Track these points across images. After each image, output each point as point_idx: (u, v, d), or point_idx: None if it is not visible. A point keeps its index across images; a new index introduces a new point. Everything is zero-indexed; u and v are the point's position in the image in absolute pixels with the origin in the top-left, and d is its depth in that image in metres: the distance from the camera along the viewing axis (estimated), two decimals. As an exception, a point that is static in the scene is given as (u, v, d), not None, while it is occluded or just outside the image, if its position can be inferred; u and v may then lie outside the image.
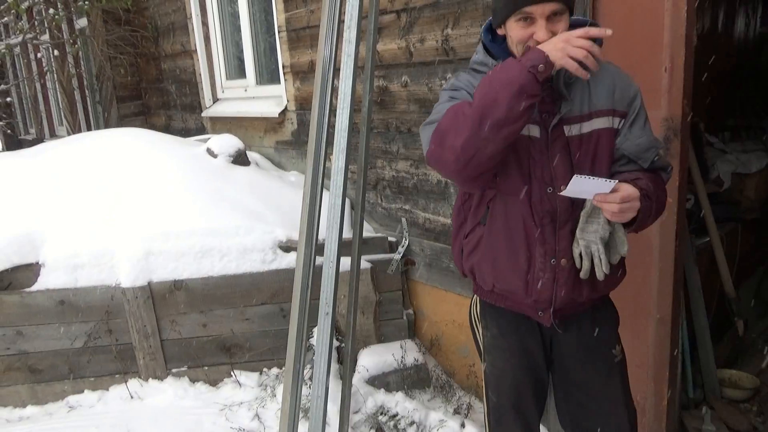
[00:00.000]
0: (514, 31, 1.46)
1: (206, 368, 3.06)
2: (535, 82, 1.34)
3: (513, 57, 1.47)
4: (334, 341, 2.88)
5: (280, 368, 3.04)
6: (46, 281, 2.94)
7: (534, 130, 1.52)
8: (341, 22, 1.94)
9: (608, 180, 1.39)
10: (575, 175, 1.38)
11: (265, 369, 3.07)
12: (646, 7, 1.96)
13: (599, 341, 1.67)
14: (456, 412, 2.78)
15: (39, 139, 8.66)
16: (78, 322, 2.95)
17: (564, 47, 1.34)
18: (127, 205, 3.19)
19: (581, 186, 1.39)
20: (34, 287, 2.93)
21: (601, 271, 1.49)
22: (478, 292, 1.76)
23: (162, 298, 2.95)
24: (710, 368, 2.73)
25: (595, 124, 1.53)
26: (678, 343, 2.36)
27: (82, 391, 3.01)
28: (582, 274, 1.51)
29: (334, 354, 2.87)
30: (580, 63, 1.34)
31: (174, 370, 3.04)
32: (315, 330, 1.92)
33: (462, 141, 1.41)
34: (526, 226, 1.55)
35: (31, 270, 2.96)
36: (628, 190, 1.41)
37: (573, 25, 1.50)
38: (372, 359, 2.95)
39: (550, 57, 1.34)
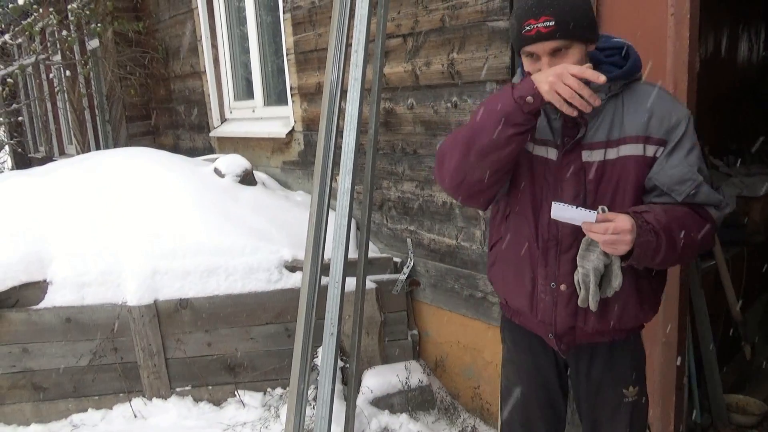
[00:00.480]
0: (525, 65, 1.48)
1: (210, 387, 3.05)
2: (520, 112, 1.36)
3: None
4: (339, 361, 2.88)
5: (284, 388, 3.03)
6: (53, 299, 2.95)
7: (552, 153, 1.53)
8: (348, 45, 1.98)
9: (588, 210, 1.38)
10: (553, 202, 1.42)
11: (269, 389, 3.06)
12: (649, 33, 1.99)
13: (611, 378, 1.62)
14: (460, 434, 2.76)
15: (48, 158, 8.76)
16: (84, 340, 2.96)
17: (554, 82, 1.32)
18: (134, 224, 3.21)
19: (563, 213, 1.41)
20: (41, 305, 2.95)
21: (593, 302, 1.45)
22: (501, 306, 1.81)
23: (167, 316, 2.96)
24: (717, 393, 2.71)
25: (623, 151, 1.48)
26: (685, 367, 2.34)
27: (86, 410, 3.01)
28: (579, 302, 1.49)
29: (339, 374, 2.86)
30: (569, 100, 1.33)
31: (178, 389, 3.03)
32: (320, 350, 1.92)
33: (454, 165, 1.47)
34: (530, 246, 1.57)
35: (39, 288, 2.98)
36: (620, 221, 1.35)
37: (606, 48, 1.52)
38: (376, 380, 2.94)
39: (539, 89, 1.34)
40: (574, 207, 1.40)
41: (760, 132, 4.15)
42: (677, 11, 1.93)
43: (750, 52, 4.59)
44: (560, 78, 1.32)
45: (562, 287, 1.54)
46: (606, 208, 1.40)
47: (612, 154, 1.48)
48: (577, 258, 1.47)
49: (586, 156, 1.50)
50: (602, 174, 1.49)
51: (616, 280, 1.44)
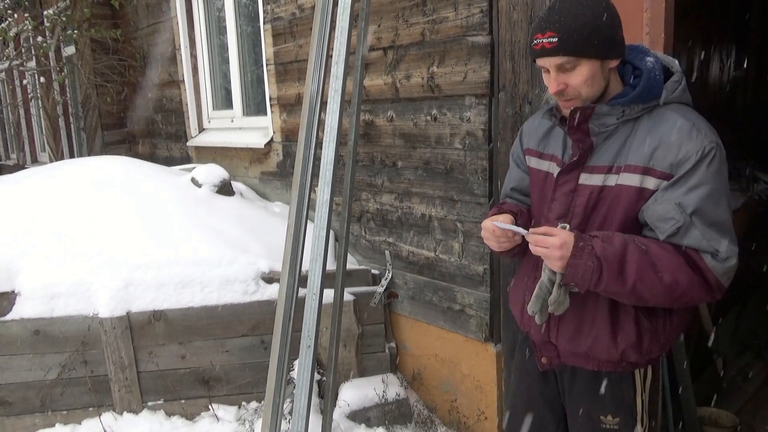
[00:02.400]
0: (543, 77, 1.51)
1: (183, 401, 2.99)
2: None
3: None
4: (316, 375, 2.85)
5: (260, 402, 2.98)
6: (21, 310, 2.87)
7: (556, 171, 1.57)
8: (329, 57, 1.98)
9: (520, 229, 1.48)
10: (494, 222, 1.54)
11: (243, 402, 3.01)
12: None
13: (588, 403, 1.61)
14: (437, 448, 2.74)
15: (20, 165, 8.58)
16: (52, 353, 2.88)
17: (483, 236, 1.58)
18: (107, 234, 3.15)
19: (505, 228, 1.52)
20: (8, 316, 2.86)
21: (536, 316, 1.52)
22: None
23: (140, 328, 2.90)
24: (691, 406, 2.74)
25: (621, 179, 1.43)
26: (658, 380, 2.36)
27: (54, 425, 2.92)
28: (528, 310, 1.53)
29: (315, 388, 2.82)
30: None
31: (150, 403, 2.96)
32: (296, 363, 1.89)
33: None
34: (528, 261, 1.67)
35: (6, 299, 2.89)
36: (555, 237, 1.37)
37: (636, 67, 1.48)
38: (353, 393, 2.91)
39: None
40: (507, 225, 1.52)
41: (732, 150, 4.25)
42: (652, 31, 1.97)
43: (721, 72, 4.72)
44: (485, 237, 1.58)
45: None
46: (567, 226, 1.42)
47: (611, 180, 1.44)
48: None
49: (584, 179, 1.49)
50: (597, 199, 1.46)
51: (552, 296, 1.45)
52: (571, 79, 1.41)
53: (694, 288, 1.37)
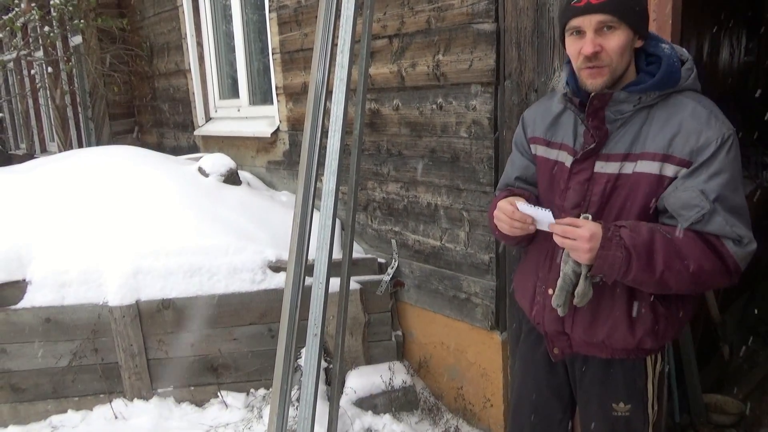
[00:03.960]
0: (568, 46, 1.46)
1: (192, 388, 3.03)
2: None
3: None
4: (322, 362, 2.87)
5: (267, 389, 3.02)
6: (32, 299, 2.91)
7: (567, 160, 1.54)
8: (334, 46, 1.97)
9: (546, 210, 1.42)
10: (518, 203, 1.48)
11: (252, 390, 3.05)
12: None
13: (600, 391, 1.61)
14: (443, 435, 2.77)
15: (30, 155, 8.64)
16: (63, 341, 2.92)
17: (496, 216, 1.53)
18: (116, 223, 3.18)
19: (530, 212, 1.46)
20: (20, 304, 2.90)
21: (560, 307, 1.48)
22: None
23: (149, 317, 2.93)
24: (697, 393, 2.74)
25: (639, 167, 1.41)
26: (664, 367, 2.37)
27: (66, 411, 2.97)
28: (553, 303, 1.50)
29: (322, 375, 2.85)
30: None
31: (160, 390, 3.00)
32: (303, 351, 1.91)
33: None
34: (540, 251, 1.64)
35: (18, 287, 2.93)
36: (582, 228, 1.34)
37: (650, 54, 1.46)
38: (360, 381, 2.94)
39: (495, 227, 1.57)
40: (534, 207, 1.45)
41: (742, 137, 4.21)
42: (659, 17, 1.95)
43: (731, 58, 4.66)
44: (497, 217, 1.52)
45: (550, 291, 1.56)
46: (590, 216, 1.39)
47: (628, 168, 1.43)
48: (561, 262, 1.48)
49: (599, 167, 1.47)
50: (613, 188, 1.45)
51: (580, 288, 1.42)
52: (608, 42, 1.37)
53: (716, 274, 1.38)
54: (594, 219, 1.41)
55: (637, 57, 1.47)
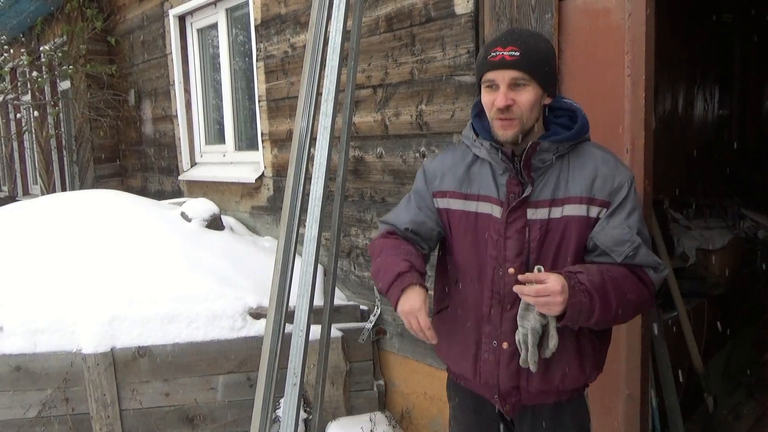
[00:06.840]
0: (483, 96, 1.52)
1: (166, 441, 2.92)
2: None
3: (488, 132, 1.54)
4: (302, 413, 2.80)
5: (245, 441, 2.92)
6: (2, 346, 2.81)
7: (496, 211, 1.54)
8: (319, 95, 2.01)
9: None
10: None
11: (228, 442, 2.94)
12: (607, 93, 2.08)
13: None
14: (426, 490, 2.68)
15: (11, 197, 8.55)
16: (33, 390, 2.81)
17: (407, 314, 1.55)
18: (95, 268, 3.13)
19: None
20: (-10, 351, 2.81)
21: (532, 363, 1.44)
22: (447, 368, 1.77)
23: (124, 365, 2.85)
24: (682, 446, 2.70)
25: (566, 211, 1.50)
26: (648, 420, 2.34)
27: (31, 465, 2.84)
28: (521, 362, 1.46)
29: (301, 426, 2.77)
30: None
31: (132, 443, 2.89)
32: (282, 401, 1.86)
33: (372, 272, 1.73)
34: (476, 305, 1.57)
35: (-11, 333, 2.85)
36: (551, 283, 1.35)
37: (557, 108, 1.56)
38: (340, 433, 2.86)
39: (398, 308, 1.58)
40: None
41: (717, 187, 4.31)
42: (633, 72, 2.02)
43: (705, 111, 4.82)
44: (408, 316, 1.54)
45: (504, 345, 1.52)
46: (542, 268, 1.40)
47: (556, 213, 1.50)
48: (518, 318, 1.46)
49: (531, 214, 1.50)
50: (546, 232, 1.50)
51: (552, 341, 1.41)
52: (519, 97, 1.45)
53: (647, 301, 1.51)
54: (534, 265, 1.45)
55: (545, 111, 1.57)
